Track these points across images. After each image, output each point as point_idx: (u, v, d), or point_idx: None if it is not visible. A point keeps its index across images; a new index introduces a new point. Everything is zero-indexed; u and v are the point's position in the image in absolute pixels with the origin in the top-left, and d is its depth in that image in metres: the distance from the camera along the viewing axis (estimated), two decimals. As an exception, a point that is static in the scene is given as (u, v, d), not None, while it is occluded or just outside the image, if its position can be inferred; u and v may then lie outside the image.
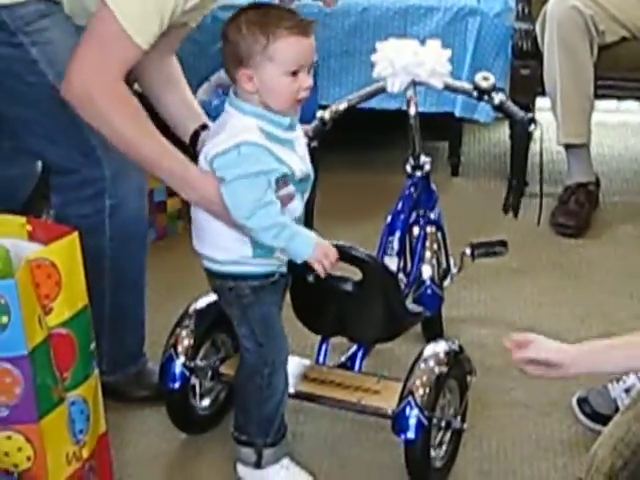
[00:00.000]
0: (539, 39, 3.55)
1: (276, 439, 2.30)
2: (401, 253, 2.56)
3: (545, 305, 3.07)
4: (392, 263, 2.50)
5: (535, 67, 3.59)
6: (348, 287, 2.33)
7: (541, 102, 3.73)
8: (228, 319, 2.29)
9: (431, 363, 2.28)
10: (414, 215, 2.62)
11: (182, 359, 2.40)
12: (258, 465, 2.30)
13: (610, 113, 4.37)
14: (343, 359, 2.47)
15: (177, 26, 2.25)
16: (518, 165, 2.55)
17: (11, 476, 2.00)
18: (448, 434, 2.37)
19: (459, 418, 2.37)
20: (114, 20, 2.08)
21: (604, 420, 2.25)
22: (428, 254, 2.65)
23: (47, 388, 1.98)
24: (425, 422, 2.22)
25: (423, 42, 2.53)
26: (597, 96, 3.54)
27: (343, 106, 2.57)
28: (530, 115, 2.48)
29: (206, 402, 2.52)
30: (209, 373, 2.46)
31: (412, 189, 2.59)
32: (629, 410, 1.88)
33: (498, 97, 2.50)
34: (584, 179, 3.60)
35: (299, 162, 2.14)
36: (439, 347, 2.34)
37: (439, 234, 2.69)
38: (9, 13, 2.22)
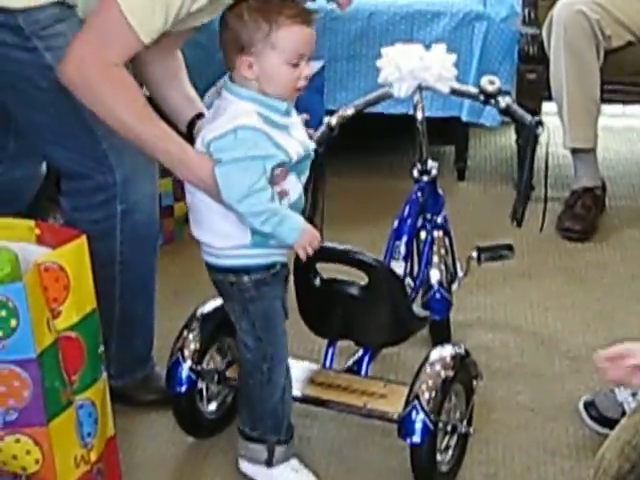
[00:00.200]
0: (545, 44, 3.56)
1: (287, 437, 2.30)
2: (408, 257, 2.56)
3: (551, 309, 3.08)
4: (399, 267, 2.50)
5: (541, 72, 3.59)
6: (355, 291, 2.34)
7: (547, 106, 3.73)
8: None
9: (437, 367, 2.28)
10: (421, 220, 2.63)
11: (189, 363, 2.40)
12: (269, 463, 2.30)
13: (616, 117, 4.36)
14: (349, 363, 2.47)
15: (183, 30, 2.26)
16: (525, 169, 2.56)
17: (19, 479, 2.00)
18: (454, 438, 2.37)
19: (465, 422, 2.37)
20: (119, 12, 2.08)
21: (611, 424, 2.24)
22: (436, 258, 2.66)
23: (55, 391, 1.99)
24: (431, 426, 2.23)
25: (429, 47, 2.54)
26: (603, 100, 3.54)
27: (350, 111, 2.58)
28: (537, 118, 2.49)
29: (213, 406, 2.52)
30: (216, 377, 2.46)
31: (419, 194, 2.60)
32: (636, 413, 1.88)
33: (504, 101, 2.51)
34: (590, 183, 3.60)
35: (296, 146, 2.14)
36: (445, 351, 2.34)
37: (446, 238, 2.70)
38: (25, 17, 2.22)
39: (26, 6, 2.22)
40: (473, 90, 2.56)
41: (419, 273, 2.65)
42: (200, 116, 2.31)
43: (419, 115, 2.58)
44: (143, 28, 2.11)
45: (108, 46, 2.11)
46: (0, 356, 1.92)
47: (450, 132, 3.81)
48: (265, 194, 2.08)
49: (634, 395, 2.48)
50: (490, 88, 2.50)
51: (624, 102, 3.97)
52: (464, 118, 3.77)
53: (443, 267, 2.68)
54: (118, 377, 2.52)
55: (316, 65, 3.48)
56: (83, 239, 2.03)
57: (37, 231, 2.09)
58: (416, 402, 2.23)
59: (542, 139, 2.51)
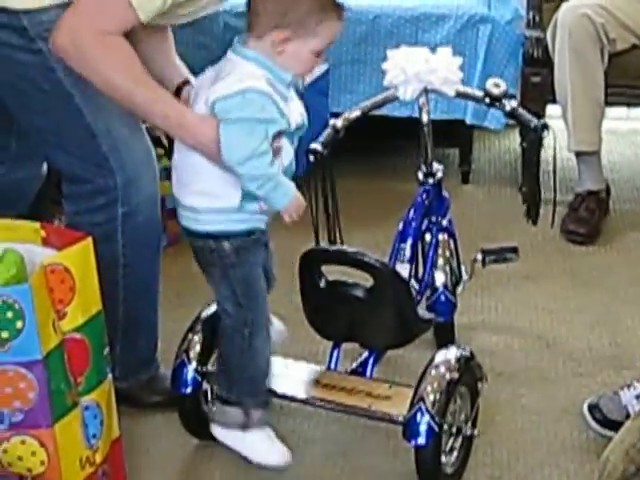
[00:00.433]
0: (550, 47, 3.56)
1: (264, 401, 2.31)
2: (413, 260, 2.57)
3: (555, 312, 3.08)
4: (404, 270, 2.51)
5: (546, 75, 3.59)
6: (359, 293, 2.34)
7: (552, 109, 3.73)
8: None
9: (442, 369, 2.29)
10: (426, 222, 2.63)
11: (194, 364, 2.40)
12: (245, 426, 2.30)
13: (620, 120, 4.37)
14: (354, 365, 2.47)
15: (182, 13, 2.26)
16: (531, 171, 2.56)
17: (25, 480, 2.01)
18: (459, 440, 2.37)
19: (470, 424, 2.37)
20: None
21: (615, 426, 2.25)
22: (441, 261, 2.66)
23: (61, 393, 1.99)
24: (436, 428, 2.23)
25: (434, 50, 2.54)
26: (607, 103, 3.54)
27: (355, 114, 2.58)
28: (543, 121, 2.49)
29: (218, 407, 2.53)
30: (221, 378, 2.47)
31: (424, 196, 2.60)
32: (640, 416, 1.89)
33: (510, 104, 2.51)
34: (595, 186, 3.60)
35: (296, 115, 2.18)
36: (450, 353, 2.34)
37: (451, 241, 2.70)
38: (30, 18, 2.22)
39: (30, 7, 2.23)
40: (478, 93, 2.56)
41: (424, 275, 2.65)
42: (186, 83, 2.33)
43: (425, 118, 2.58)
44: (142, 6, 2.13)
45: (104, 17, 2.13)
46: (6, 357, 1.92)
47: (454, 135, 3.81)
48: (266, 158, 2.10)
49: (638, 398, 2.48)
50: (495, 91, 2.51)
51: (628, 105, 3.97)
52: (468, 121, 3.77)
53: (448, 270, 2.68)
54: (122, 379, 2.52)
55: (321, 68, 3.48)
56: (89, 241, 2.03)
57: (43, 233, 2.10)
58: (421, 404, 2.23)
59: (548, 142, 2.51)
